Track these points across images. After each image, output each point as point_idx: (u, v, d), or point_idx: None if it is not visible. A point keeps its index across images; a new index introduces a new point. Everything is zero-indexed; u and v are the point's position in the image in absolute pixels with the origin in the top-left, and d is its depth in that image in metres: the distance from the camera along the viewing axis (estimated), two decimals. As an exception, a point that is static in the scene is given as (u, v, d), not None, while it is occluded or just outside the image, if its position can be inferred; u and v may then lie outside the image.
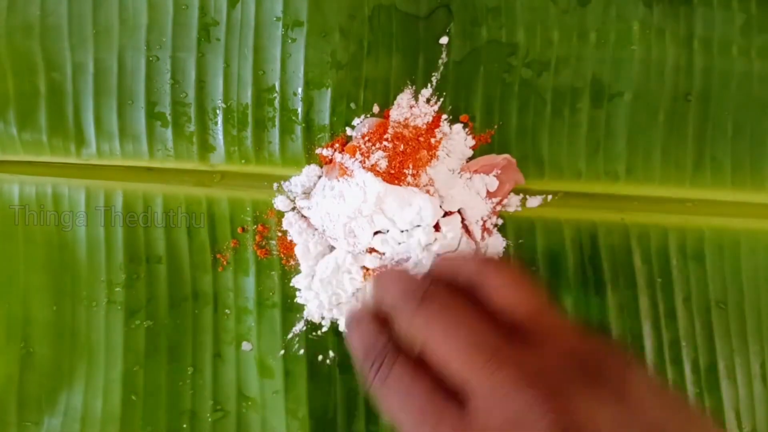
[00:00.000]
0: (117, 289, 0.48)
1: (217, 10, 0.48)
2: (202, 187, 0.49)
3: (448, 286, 0.31)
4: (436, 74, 0.48)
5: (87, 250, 0.48)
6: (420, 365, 0.30)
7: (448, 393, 0.28)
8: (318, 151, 0.48)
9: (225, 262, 0.48)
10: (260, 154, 0.49)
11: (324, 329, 0.48)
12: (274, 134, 0.49)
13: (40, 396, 0.48)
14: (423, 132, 0.47)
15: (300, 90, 0.48)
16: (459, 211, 0.46)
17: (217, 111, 0.49)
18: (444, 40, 0.48)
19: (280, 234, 0.48)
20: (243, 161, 0.49)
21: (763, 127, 0.48)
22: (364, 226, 0.45)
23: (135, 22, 0.48)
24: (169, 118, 0.49)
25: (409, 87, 0.48)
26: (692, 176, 0.48)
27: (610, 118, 0.48)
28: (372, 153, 0.46)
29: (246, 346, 0.48)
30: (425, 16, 0.48)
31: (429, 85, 0.48)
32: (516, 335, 0.29)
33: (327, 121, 0.48)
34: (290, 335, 0.48)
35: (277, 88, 0.48)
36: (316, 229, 0.47)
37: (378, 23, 0.48)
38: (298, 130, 0.48)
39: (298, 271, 0.48)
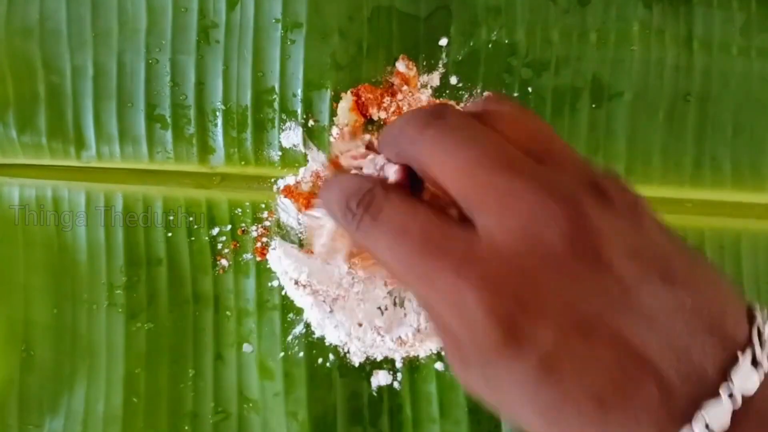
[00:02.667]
0: (117, 291, 0.48)
1: (216, 13, 0.48)
2: (201, 189, 0.49)
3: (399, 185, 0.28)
4: (436, 75, 0.48)
5: (87, 252, 0.48)
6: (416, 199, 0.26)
7: (452, 220, 0.25)
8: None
9: (225, 264, 0.48)
10: (260, 156, 0.49)
11: (325, 331, 0.48)
12: (274, 136, 0.49)
13: (42, 399, 0.48)
14: None
15: (299, 91, 0.48)
16: None
17: (217, 113, 0.49)
18: (444, 41, 0.48)
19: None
20: (243, 163, 0.49)
21: (763, 127, 0.48)
22: None
23: (134, 25, 0.48)
24: (168, 120, 0.49)
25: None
26: (692, 176, 0.48)
27: (609, 119, 0.48)
28: None
29: (247, 347, 0.48)
30: (425, 16, 0.48)
31: (429, 85, 0.48)
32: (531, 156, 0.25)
33: (327, 123, 0.48)
34: (290, 337, 0.48)
35: (277, 89, 0.48)
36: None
37: (377, 24, 0.48)
38: (298, 131, 0.48)
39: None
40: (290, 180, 0.48)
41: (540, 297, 0.23)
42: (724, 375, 0.22)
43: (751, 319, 0.24)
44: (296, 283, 0.47)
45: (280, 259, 0.47)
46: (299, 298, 0.47)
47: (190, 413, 0.48)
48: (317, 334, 0.48)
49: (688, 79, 0.48)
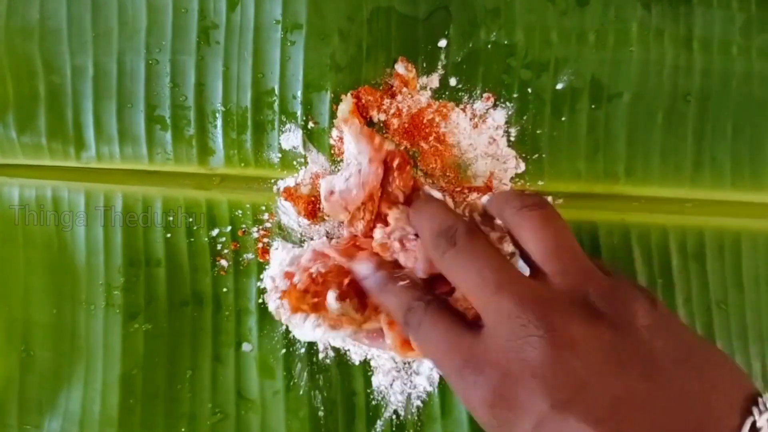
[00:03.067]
0: (116, 292, 0.48)
1: (217, 13, 0.48)
2: (201, 190, 0.49)
3: (477, 228, 0.37)
4: (435, 76, 0.48)
5: (86, 253, 0.48)
6: (447, 307, 0.36)
7: (469, 325, 0.34)
8: None
9: (225, 265, 0.48)
10: (260, 158, 0.49)
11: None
12: (274, 137, 0.49)
13: (41, 399, 0.48)
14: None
15: (299, 93, 0.48)
16: None
17: (217, 114, 0.49)
18: (443, 42, 0.48)
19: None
20: (242, 164, 0.49)
21: (763, 128, 0.48)
22: None
23: (134, 26, 0.48)
24: (168, 121, 0.49)
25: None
26: (692, 176, 0.48)
27: (609, 119, 0.48)
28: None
29: (246, 347, 0.48)
30: (424, 17, 0.48)
31: (428, 87, 0.48)
32: (535, 274, 0.34)
33: (326, 124, 0.48)
34: (292, 334, 0.48)
35: (277, 91, 0.48)
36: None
37: (377, 25, 0.48)
38: (298, 133, 0.48)
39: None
40: (290, 182, 0.48)
41: (527, 381, 0.30)
42: None
43: (756, 393, 0.31)
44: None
45: (282, 261, 0.47)
46: None
47: (188, 414, 0.48)
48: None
49: (687, 79, 0.48)
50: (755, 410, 0.30)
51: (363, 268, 0.41)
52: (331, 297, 0.40)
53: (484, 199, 0.40)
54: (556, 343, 0.30)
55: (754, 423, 0.29)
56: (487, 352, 0.32)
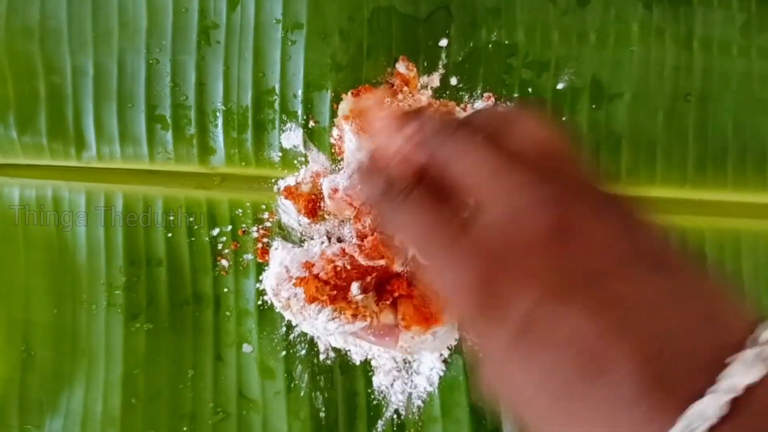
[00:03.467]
0: (117, 292, 0.48)
1: (217, 13, 0.48)
2: (202, 190, 0.49)
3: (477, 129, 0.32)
4: (436, 75, 0.48)
5: (87, 253, 0.48)
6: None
7: (453, 209, 0.30)
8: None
9: (226, 265, 0.48)
10: (260, 157, 0.49)
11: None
12: (275, 136, 0.49)
13: (42, 399, 0.48)
14: None
15: (300, 92, 0.48)
16: None
17: (217, 113, 0.49)
18: (444, 42, 0.48)
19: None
20: (243, 164, 0.49)
21: (763, 127, 0.48)
22: None
23: (135, 26, 0.48)
24: (169, 121, 0.49)
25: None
26: (693, 177, 0.48)
27: (610, 119, 0.48)
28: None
29: (247, 348, 0.48)
30: (425, 17, 0.48)
31: (429, 86, 0.48)
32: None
33: (327, 123, 0.48)
34: (292, 336, 0.48)
35: (277, 90, 0.48)
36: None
37: (377, 25, 0.48)
38: (299, 132, 0.48)
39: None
40: (290, 181, 0.48)
41: (521, 265, 0.26)
42: (721, 364, 0.22)
43: (751, 316, 0.24)
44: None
45: (282, 260, 0.47)
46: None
47: (189, 414, 0.48)
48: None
49: (688, 79, 0.48)
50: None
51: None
52: (355, 287, 0.40)
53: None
54: (563, 221, 0.26)
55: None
56: (481, 232, 0.28)
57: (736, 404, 0.21)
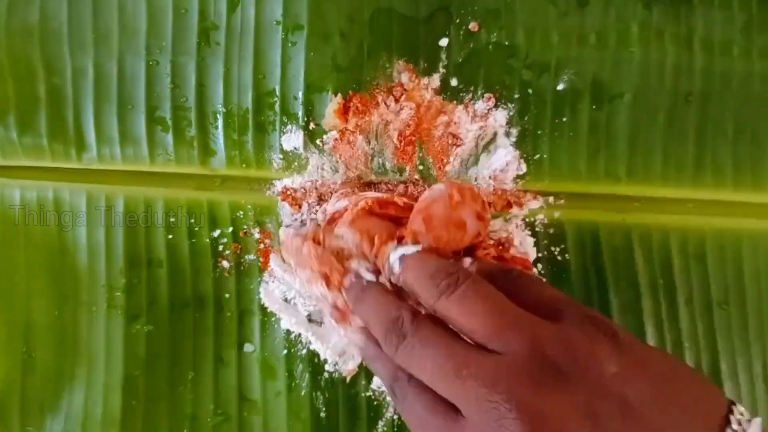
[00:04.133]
0: (117, 293, 0.48)
1: (217, 14, 0.48)
2: (203, 191, 0.49)
3: (420, 313, 0.36)
4: (436, 77, 0.48)
5: (88, 254, 0.48)
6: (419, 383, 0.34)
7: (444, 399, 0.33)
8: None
9: (226, 266, 0.48)
10: (261, 159, 0.49)
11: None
12: (275, 138, 0.49)
13: (42, 400, 0.48)
14: None
15: (300, 94, 0.48)
16: None
17: (218, 115, 0.49)
18: (444, 42, 0.48)
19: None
20: (244, 165, 0.49)
21: (764, 127, 0.48)
22: None
23: (135, 27, 0.48)
24: (169, 122, 0.49)
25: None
26: (693, 177, 0.48)
27: (610, 120, 0.48)
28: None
29: (248, 347, 0.48)
30: (425, 18, 0.48)
31: (429, 87, 0.48)
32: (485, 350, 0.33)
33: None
34: (293, 335, 0.48)
35: (278, 91, 0.48)
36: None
37: (378, 26, 0.48)
38: (299, 134, 0.48)
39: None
40: (287, 182, 0.48)
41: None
42: None
43: (729, 406, 0.31)
44: (286, 300, 0.48)
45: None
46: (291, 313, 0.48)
47: (190, 416, 0.48)
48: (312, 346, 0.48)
49: (688, 79, 0.48)
50: (731, 423, 0.30)
51: (357, 339, 0.40)
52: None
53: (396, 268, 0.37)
54: (530, 421, 0.29)
55: None
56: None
57: None
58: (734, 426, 0.30)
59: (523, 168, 0.48)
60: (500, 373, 0.30)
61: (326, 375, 0.48)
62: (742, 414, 0.31)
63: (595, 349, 0.31)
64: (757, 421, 0.30)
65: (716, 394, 0.32)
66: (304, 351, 0.48)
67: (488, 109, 0.48)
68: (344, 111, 0.48)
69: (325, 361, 0.48)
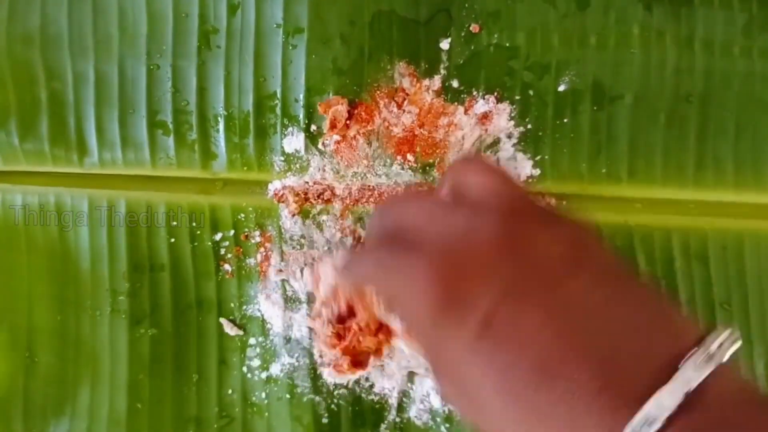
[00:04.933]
0: (120, 297, 0.48)
1: (217, 18, 0.48)
2: (204, 195, 0.49)
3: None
4: (437, 79, 0.48)
5: (90, 258, 0.48)
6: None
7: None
8: None
9: (229, 269, 0.48)
10: (262, 161, 0.49)
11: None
12: (276, 141, 0.49)
13: (45, 405, 0.48)
14: None
15: (301, 96, 0.48)
16: None
17: (219, 118, 0.49)
18: (445, 44, 0.48)
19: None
20: (245, 168, 0.49)
21: (765, 128, 0.48)
22: None
23: (135, 31, 0.48)
24: (170, 126, 0.49)
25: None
26: (695, 177, 0.48)
27: (611, 121, 0.48)
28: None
29: (250, 352, 0.48)
30: (425, 21, 0.48)
31: (430, 89, 0.48)
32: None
33: (329, 127, 0.48)
34: (294, 339, 0.48)
35: (279, 94, 0.48)
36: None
37: (378, 29, 0.48)
38: (300, 136, 0.48)
39: (301, 277, 0.48)
40: (287, 182, 0.48)
41: (479, 266, 0.27)
42: (674, 366, 0.23)
43: (699, 326, 0.26)
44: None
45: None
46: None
47: (194, 418, 0.48)
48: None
49: (689, 80, 0.48)
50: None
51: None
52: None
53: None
54: (514, 232, 0.27)
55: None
56: (434, 243, 0.28)
57: (690, 399, 0.22)
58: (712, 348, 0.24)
59: (527, 170, 0.48)
60: (484, 208, 0.29)
61: (329, 380, 0.48)
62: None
63: (580, 225, 0.29)
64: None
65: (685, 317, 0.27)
66: (306, 356, 0.48)
67: (489, 111, 0.48)
68: (333, 127, 0.48)
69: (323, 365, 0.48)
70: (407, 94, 0.48)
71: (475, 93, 0.48)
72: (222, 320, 0.48)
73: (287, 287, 0.48)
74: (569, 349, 0.24)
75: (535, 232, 0.28)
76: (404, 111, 0.48)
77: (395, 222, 0.32)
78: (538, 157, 0.48)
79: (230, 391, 0.48)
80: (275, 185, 0.48)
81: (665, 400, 0.22)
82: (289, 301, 0.48)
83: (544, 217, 0.29)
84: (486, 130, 0.48)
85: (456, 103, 0.48)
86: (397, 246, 0.30)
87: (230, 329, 0.48)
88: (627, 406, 0.22)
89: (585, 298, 0.26)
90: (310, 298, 0.48)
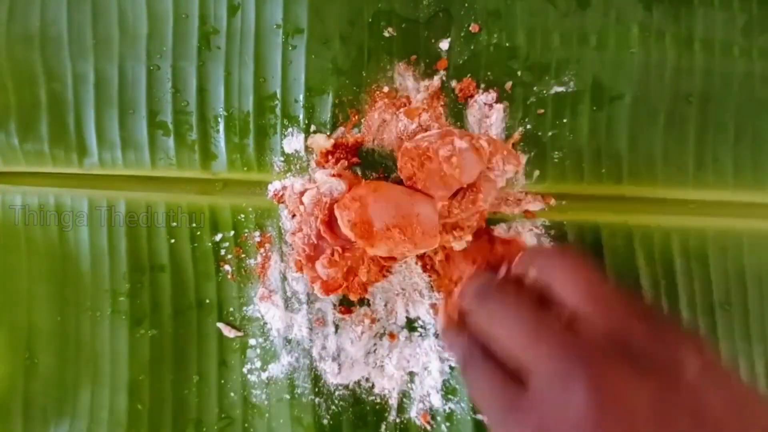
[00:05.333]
0: (121, 298, 0.48)
1: (217, 19, 0.48)
2: (204, 195, 0.49)
3: (515, 284, 0.38)
4: (437, 78, 0.48)
5: (90, 259, 0.48)
6: (490, 358, 0.36)
7: (513, 377, 0.34)
8: None
9: (229, 270, 0.48)
10: (262, 162, 0.49)
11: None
12: (276, 141, 0.49)
13: (46, 405, 0.48)
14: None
15: (301, 97, 0.48)
16: None
17: (219, 119, 0.49)
18: (444, 44, 0.48)
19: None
20: (245, 169, 0.49)
21: (764, 128, 0.48)
22: None
23: (135, 32, 0.48)
24: (170, 126, 0.49)
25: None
26: (694, 177, 0.48)
27: (611, 121, 0.48)
28: None
29: (251, 353, 0.48)
30: (425, 20, 0.48)
31: (430, 89, 0.48)
32: (572, 320, 0.33)
33: (329, 128, 0.48)
34: (294, 339, 0.48)
35: (279, 95, 0.48)
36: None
37: (378, 29, 0.48)
38: (301, 137, 0.48)
39: (301, 278, 0.48)
40: (285, 182, 0.48)
41: None
42: None
43: None
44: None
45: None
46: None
47: (195, 419, 0.48)
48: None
49: (689, 80, 0.48)
50: None
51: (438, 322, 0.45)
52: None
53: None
54: (599, 395, 0.29)
55: None
56: (531, 402, 0.31)
57: None
58: None
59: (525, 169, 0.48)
60: (579, 340, 0.31)
61: (329, 381, 0.48)
62: None
63: (681, 350, 0.31)
64: None
65: None
66: (306, 356, 0.48)
67: (489, 110, 0.48)
68: (326, 155, 0.48)
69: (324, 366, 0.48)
70: (409, 101, 0.48)
71: (474, 93, 0.48)
72: (219, 324, 0.48)
73: (287, 288, 0.48)
74: None
75: (629, 394, 0.29)
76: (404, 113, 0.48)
77: (486, 331, 0.36)
78: (538, 158, 0.48)
79: (230, 392, 0.48)
80: (275, 186, 0.48)
81: None
82: (289, 302, 0.48)
83: (638, 364, 0.31)
84: (485, 130, 0.48)
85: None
86: (508, 388, 0.33)
87: (228, 332, 0.48)
88: None
89: None
90: (311, 299, 0.48)
